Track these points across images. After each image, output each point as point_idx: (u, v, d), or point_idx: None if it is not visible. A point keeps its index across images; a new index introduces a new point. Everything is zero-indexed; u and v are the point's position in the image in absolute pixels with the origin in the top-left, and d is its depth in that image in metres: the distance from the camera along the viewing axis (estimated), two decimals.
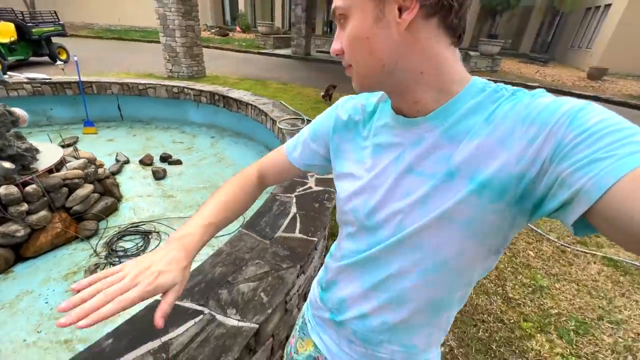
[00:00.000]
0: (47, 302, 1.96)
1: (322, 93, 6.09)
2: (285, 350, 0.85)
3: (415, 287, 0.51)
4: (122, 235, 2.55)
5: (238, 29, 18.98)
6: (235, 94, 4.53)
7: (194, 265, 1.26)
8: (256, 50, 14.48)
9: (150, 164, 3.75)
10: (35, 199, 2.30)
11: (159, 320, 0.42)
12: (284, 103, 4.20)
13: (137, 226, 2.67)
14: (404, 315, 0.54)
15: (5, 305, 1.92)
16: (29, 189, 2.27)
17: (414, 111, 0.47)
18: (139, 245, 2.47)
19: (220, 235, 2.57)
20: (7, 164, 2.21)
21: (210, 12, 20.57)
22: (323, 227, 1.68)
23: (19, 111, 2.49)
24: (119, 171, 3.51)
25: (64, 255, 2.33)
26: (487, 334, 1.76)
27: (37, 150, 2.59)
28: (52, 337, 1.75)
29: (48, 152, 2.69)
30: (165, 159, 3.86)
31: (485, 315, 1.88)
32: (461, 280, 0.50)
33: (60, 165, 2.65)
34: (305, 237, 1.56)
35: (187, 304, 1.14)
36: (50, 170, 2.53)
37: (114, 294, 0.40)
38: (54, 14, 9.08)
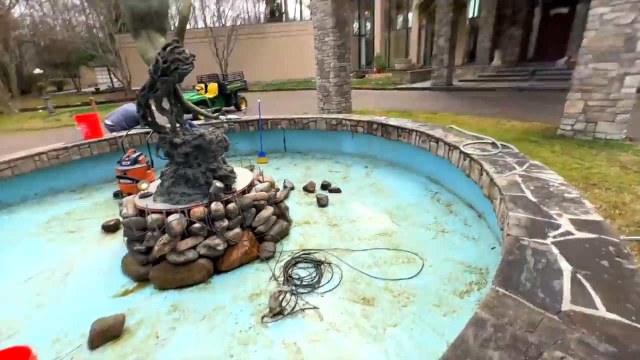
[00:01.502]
0: (236, 323, 1.93)
1: None
2: None
3: None
4: (296, 261, 2.46)
5: (375, 69, 20.01)
6: (394, 121, 4.29)
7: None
8: (392, 87, 14.63)
9: (313, 191, 3.81)
10: (233, 217, 2.49)
11: None
12: (456, 127, 3.63)
13: (308, 254, 2.55)
14: None
15: (205, 317, 1.99)
16: (230, 207, 2.48)
17: None
18: (313, 275, 2.29)
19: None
20: (219, 184, 2.48)
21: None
22: None
23: None
24: (286, 197, 3.68)
25: (248, 274, 2.38)
26: None
27: (235, 173, 2.91)
28: None
29: (240, 175, 3.00)
30: (325, 187, 3.87)
31: None
32: None
33: (249, 187, 2.89)
34: (627, 321, 0.88)
35: None
36: (243, 192, 2.76)
37: None
38: (241, 74, 11.77)
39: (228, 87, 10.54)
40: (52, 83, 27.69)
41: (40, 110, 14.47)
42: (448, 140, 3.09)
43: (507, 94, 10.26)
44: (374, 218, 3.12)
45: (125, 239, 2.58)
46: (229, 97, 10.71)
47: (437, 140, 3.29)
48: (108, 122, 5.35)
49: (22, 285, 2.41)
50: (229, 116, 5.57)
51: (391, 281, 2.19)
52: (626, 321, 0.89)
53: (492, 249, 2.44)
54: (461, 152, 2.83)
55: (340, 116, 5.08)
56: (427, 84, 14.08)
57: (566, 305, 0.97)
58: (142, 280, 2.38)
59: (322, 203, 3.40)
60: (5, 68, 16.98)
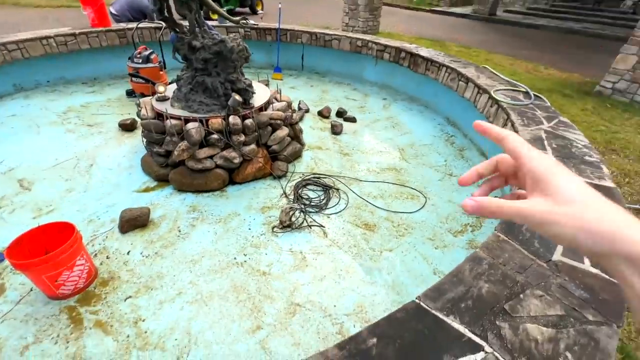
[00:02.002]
0: (249, 229, 2.15)
1: None
2: None
3: None
4: (306, 183, 2.59)
5: None
6: (425, 52, 3.94)
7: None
8: (428, 8, 12.93)
9: (328, 117, 3.75)
10: (250, 132, 2.51)
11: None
12: (490, 69, 3.36)
13: (319, 177, 2.67)
14: None
15: (221, 220, 2.21)
16: (247, 122, 2.48)
17: None
18: (321, 198, 2.45)
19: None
20: (238, 97, 2.43)
21: None
22: None
23: None
24: (301, 119, 3.64)
25: (261, 189, 2.54)
26: None
27: (252, 87, 2.82)
28: (253, 264, 1.89)
29: (258, 91, 2.91)
30: (341, 114, 3.79)
31: None
32: None
33: (267, 104, 2.84)
34: (606, 277, 1.00)
35: (458, 325, 0.83)
36: (260, 108, 2.72)
37: None
38: None
39: None
40: None
41: None
42: (479, 82, 2.91)
43: (554, 36, 9.14)
44: (385, 152, 3.16)
45: (144, 140, 2.65)
46: None
47: (468, 80, 3.09)
48: (112, 10, 4.91)
49: (51, 170, 2.58)
50: (250, 21, 5.07)
51: (393, 213, 2.35)
52: (605, 276, 1.01)
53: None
54: (490, 97, 2.69)
55: (368, 37, 4.64)
56: (467, 10, 12.40)
57: (557, 256, 1.08)
58: (161, 180, 2.54)
59: (336, 131, 3.39)
60: None
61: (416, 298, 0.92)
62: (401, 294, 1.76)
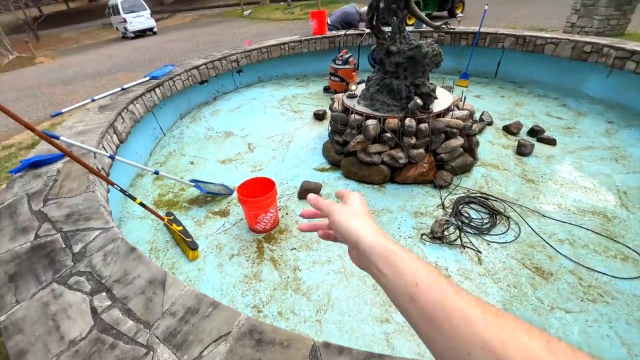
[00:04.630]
0: (399, 228, 2.21)
1: None
2: None
3: None
4: (470, 200, 2.37)
5: None
6: None
7: None
8: None
9: (516, 134, 3.22)
10: (422, 137, 2.53)
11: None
12: None
13: (487, 198, 2.38)
14: None
15: (375, 211, 2.37)
16: (421, 126, 2.50)
17: None
18: (484, 221, 2.19)
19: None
20: (419, 101, 2.49)
21: None
22: None
23: None
24: (480, 131, 3.30)
25: (419, 194, 2.53)
26: None
27: (435, 93, 2.78)
28: None
29: (441, 96, 2.85)
30: (535, 132, 3.16)
31: None
32: None
33: (446, 111, 2.74)
34: None
35: None
36: (438, 114, 2.66)
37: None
38: None
39: None
40: None
41: (282, 3, 17.40)
42: None
43: None
44: (592, 190, 2.42)
45: (330, 128, 3.15)
46: (445, 1, 9.28)
47: None
48: (329, 21, 5.95)
49: (266, 140, 3.52)
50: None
51: (585, 269, 1.81)
52: None
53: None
54: None
55: (605, 41, 3.57)
56: None
57: None
58: (334, 165, 2.97)
59: (523, 150, 2.87)
60: None
61: None
62: None
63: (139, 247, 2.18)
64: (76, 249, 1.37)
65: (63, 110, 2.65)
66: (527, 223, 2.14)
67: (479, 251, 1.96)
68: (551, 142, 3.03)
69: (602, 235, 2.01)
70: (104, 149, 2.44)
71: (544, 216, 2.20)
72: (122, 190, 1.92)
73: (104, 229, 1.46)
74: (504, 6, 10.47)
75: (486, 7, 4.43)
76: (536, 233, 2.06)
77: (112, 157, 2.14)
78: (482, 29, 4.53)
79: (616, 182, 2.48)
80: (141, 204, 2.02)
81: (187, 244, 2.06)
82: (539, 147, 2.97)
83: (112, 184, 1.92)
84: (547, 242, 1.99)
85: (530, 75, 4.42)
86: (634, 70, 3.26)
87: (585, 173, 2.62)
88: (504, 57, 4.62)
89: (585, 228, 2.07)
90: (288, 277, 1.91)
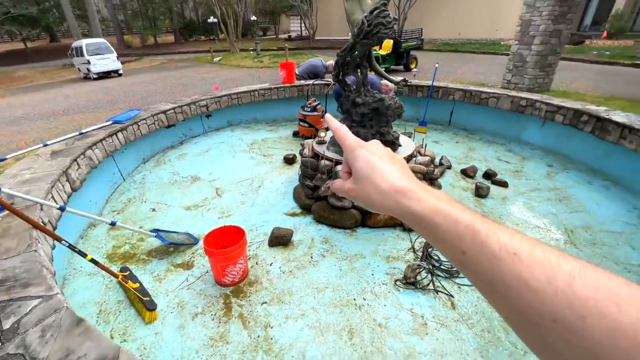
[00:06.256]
0: (372, 275, 2.18)
1: None
2: None
3: None
4: None
5: (605, 33, 14.57)
6: (620, 117, 3.17)
7: None
8: (629, 62, 10.42)
9: (473, 177, 3.48)
10: None
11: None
12: None
13: None
14: None
15: (347, 258, 2.34)
16: None
17: None
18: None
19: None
20: None
21: None
22: None
23: None
24: (441, 175, 3.52)
25: (390, 237, 2.56)
26: None
27: (399, 140, 2.98)
28: (371, 312, 1.89)
29: (404, 144, 3.04)
30: (489, 176, 3.45)
31: None
32: None
33: (410, 157, 2.92)
34: None
35: None
36: None
37: None
38: (420, 31, 11.01)
39: (403, 45, 10.18)
40: (260, 28, 34.03)
41: (251, 52, 18.35)
42: None
43: None
44: (544, 229, 2.62)
45: (300, 173, 3.19)
46: (400, 56, 10.40)
47: None
48: (297, 71, 6.34)
49: (235, 185, 3.45)
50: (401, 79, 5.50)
51: None
52: None
53: None
54: None
55: (536, 97, 4.15)
56: None
57: None
58: (305, 209, 2.95)
59: (481, 193, 3.09)
60: (237, 16, 21.96)
61: None
62: None
63: (86, 309, 1.92)
64: (7, 324, 1.16)
65: (7, 157, 2.42)
66: None
67: (452, 295, 1.98)
68: (504, 184, 3.30)
69: None
70: (53, 199, 2.22)
71: None
72: (70, 247, 1.73)
73: (45, 297, 1.27)
74: (449, 63, 11.95)
75: (437, 65, 5.01)
76: None
77: (62, 209, 1.95)
78: (435, 83, 5.08)
79: (563, 221, 2.72)
80: (92, 260, 1.82)
81: (143, 304, 1.85)
82: (494, 189, 3.22)
83: (60, 240, 1.72)
84: None
85: (479, 123, 4.94)
86: (562, 122, 3.78)
87: (536, 213, 2.85)
88: (456, 107, 5.15)
89: None
90: (258, 336, 1.76)
